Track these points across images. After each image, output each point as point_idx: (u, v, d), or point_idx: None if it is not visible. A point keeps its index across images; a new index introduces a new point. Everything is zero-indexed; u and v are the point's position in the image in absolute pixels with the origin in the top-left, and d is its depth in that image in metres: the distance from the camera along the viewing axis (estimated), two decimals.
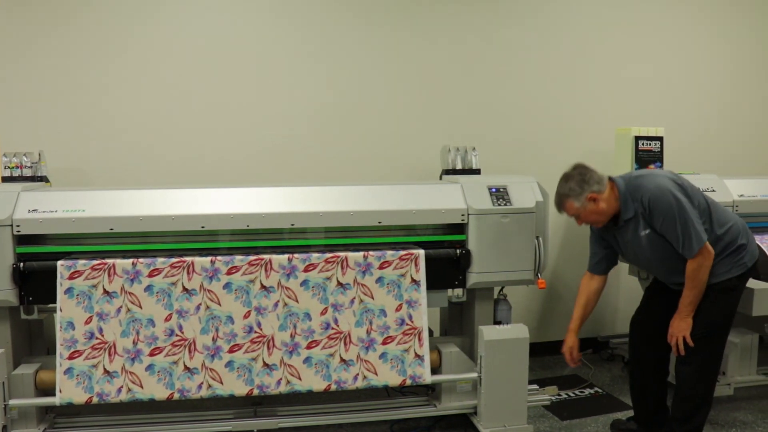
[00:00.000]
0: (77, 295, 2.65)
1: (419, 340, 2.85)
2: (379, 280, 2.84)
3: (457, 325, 3.44)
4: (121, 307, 2.67)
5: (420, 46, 3.99)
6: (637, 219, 2.69)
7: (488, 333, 2.86)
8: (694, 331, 2.70)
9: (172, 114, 3.69)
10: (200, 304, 2.71)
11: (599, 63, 4.30)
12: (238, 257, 2.75)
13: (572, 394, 3.69)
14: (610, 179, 2.73)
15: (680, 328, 2.71)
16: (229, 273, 2.73)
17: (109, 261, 2.68)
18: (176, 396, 2.68)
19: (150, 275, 2.69)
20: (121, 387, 2.65)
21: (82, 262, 2.67)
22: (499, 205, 2.99)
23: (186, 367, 2.69)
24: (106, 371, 2.65)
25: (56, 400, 2.63)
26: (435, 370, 2.94)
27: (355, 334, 2.80)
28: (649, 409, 3.04)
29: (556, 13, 4.21)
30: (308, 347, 2.77)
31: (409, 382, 2.84)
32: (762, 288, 3.04)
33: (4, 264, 2.66)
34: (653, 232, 2.67)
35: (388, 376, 2.82)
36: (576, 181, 2.69)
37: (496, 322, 3.17)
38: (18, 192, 2.77)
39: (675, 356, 2.81)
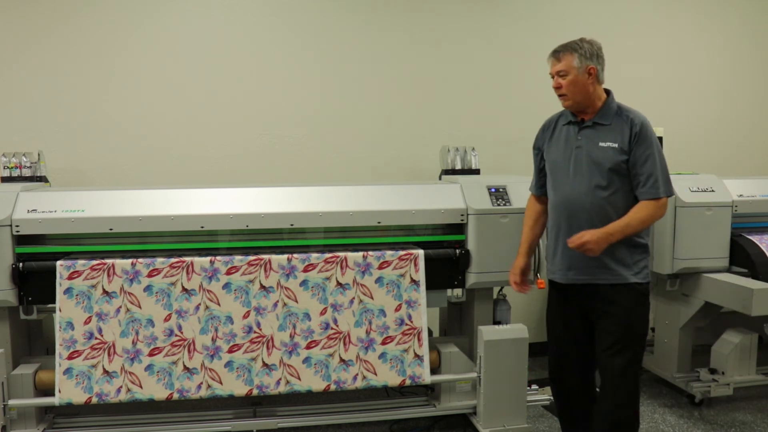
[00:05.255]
0: (76, 295, 2.65)
1: (419, 340, 2.85)
2: (379, 280, 2.84)
3: (456, 325, 3.44)
4: (120, 307, 2.67)
5: (419, 45, 3.99)
6: (606, 130, 2.47)
7: (488, 333, 2.86)
8: (618, 338, 2.45)
9: (171, 114, 3.69)
10: (199, 304, 2.71)
11: None
12: (238, 257, 2.75)
13: None
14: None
15: (592, 239, 2.35)
16: (228, 273, 2.73)
17: (109, 261, 2.68)
18: (175, 396, 2.68)
19: (149, 275, 2.69)
20: (121, 387, 2.65)
21: (81, 262, 2.67)
22: (499, 205, 2.99)
23: (185, 367, 2.69)
24: (105, 371, 2.65)
25: (55, 400, 2.63)
26: (434, 370, 2.94)
27: (354, 334, 2.80)
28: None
29: (555, 13, 4.21)
30: (307, 347, 2.77)
31: (408, 382, 2.83)
32: (761, 288, 3.02)
33: (3, 264, 2.66)
34: (618, 152, 2.43)
35: (387, 376, 2.82)
36: (593, 47, 2.48)
37: (496, 322, 3.17)
38: (17, 192, 2.77)
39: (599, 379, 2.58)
